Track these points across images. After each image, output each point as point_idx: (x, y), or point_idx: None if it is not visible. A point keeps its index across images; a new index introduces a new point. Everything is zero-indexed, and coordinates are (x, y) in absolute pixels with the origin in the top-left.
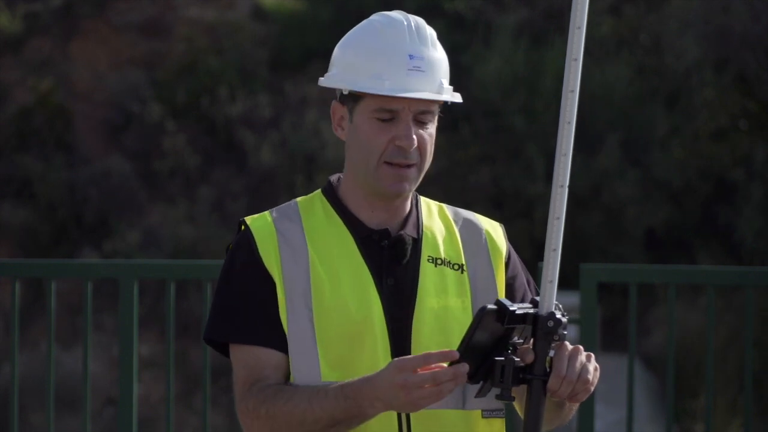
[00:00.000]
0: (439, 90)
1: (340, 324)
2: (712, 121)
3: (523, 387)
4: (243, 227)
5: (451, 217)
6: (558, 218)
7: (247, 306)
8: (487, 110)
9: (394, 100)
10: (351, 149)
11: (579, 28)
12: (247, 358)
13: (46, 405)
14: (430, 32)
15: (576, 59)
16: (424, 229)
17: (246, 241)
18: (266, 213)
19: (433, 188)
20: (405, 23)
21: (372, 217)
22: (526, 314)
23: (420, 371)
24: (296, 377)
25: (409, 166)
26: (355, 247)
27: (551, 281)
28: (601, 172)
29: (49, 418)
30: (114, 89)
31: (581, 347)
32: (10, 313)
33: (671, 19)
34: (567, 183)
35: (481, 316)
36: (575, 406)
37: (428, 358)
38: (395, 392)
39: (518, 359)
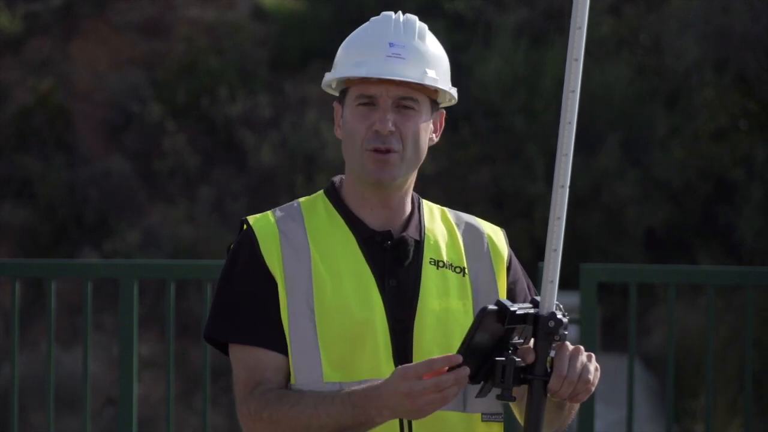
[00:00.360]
0: (422, 78)
1: (341, 324)
2: (712, 121)
3: (523, 389)
4: (245, 227)
5: (453, 221)
6: (559, 218)
7: (248, 305)
8: (487, 110)
9: (372, 86)
10: (343, 143)
11: (580, 28)
12: (247, 360)
13: (46, 405)
14: (420, 26)
15: (577, 59)
16: (426, 232)
17: (248, 240)
18: (268, 213)
19: (433, 188)
20: (393, 17)
21: (373, 218)
22: (526, 314)
23: (424, 377)
24: (298, 378)
25: (388, 151)
26: (358, 247)
27: (552, 281)
28: (601, 172)
29: (49, 418)
30: (114, 89)
31: (582, 347)
32: (10, 313)
33: (671, 19)
34: (568, 183)
35: (481, 316)
36: (575, 409)
37: (431, 365)
38: (401, 400)
39: (519, 359)
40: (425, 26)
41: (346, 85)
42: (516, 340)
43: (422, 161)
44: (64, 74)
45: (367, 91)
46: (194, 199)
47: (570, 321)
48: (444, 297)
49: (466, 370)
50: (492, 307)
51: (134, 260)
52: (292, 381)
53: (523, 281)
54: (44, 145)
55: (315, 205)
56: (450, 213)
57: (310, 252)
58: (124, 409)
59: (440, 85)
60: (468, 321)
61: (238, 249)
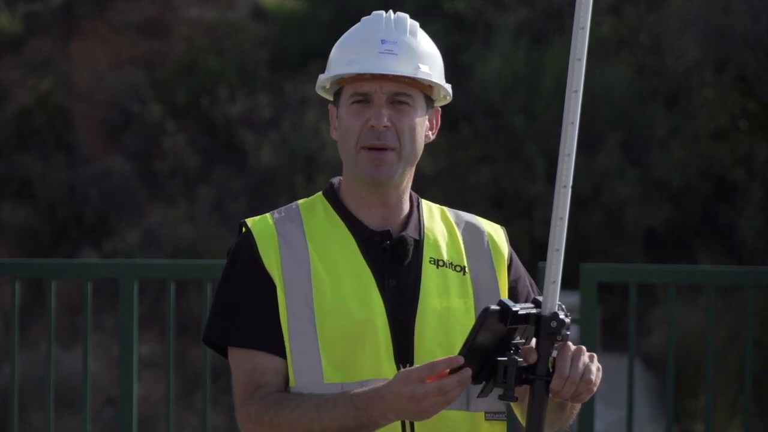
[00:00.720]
0: (415, 73)
1: (342, 325)
2: (712, 121)
3: (525, 388)
4: (244, 229)
5: (452, 220)
6: (561, 219)
7: (247, 308)
8: (487, 110)
9: (365, 83)
10: (339, 143)
11: (583, 28)
12: (246, 363)
13: (46, 405)
14: (411, 23)
15: (580, 59)
16: (425, 231)
17: (247, 243)
18: (267, 215)
19: (433, 188)
20: (384, 16)
21: (371, 218)
22: (528, 314)
23: (427, 380)
24: (298, 379)
25: (384, 149)
26: (357, 248)
27: (554, 281)
28: (601, 172)
29: (49, 418)
30: (114, 89)
31: (584, 348)
32: (10, 313)
33: (671, 19)
34: (570, 183)
35: (484, 316)
36: (577, 409)
37: (433, 367)
38: (404, 404)
39: (521, 359)
40: (416, 23)
41: (340, 84)
42: (518, 340)
43: (419, 158)
44: (64, 74)
45: (361, 89)
46: (194, 199)
47: (570, 321)
48: (445, 296)
49: (468, 372)
50: (494, 307)
51: (134, 260)
52: (292, 383)
53: (525, 279)
54: (44, 145)
55: (314, 207)
56: (449, 212)
57: (308, 253)
58: (124, 409)
59: (434, 80)
60: (469, 320)
61: (236, 252)
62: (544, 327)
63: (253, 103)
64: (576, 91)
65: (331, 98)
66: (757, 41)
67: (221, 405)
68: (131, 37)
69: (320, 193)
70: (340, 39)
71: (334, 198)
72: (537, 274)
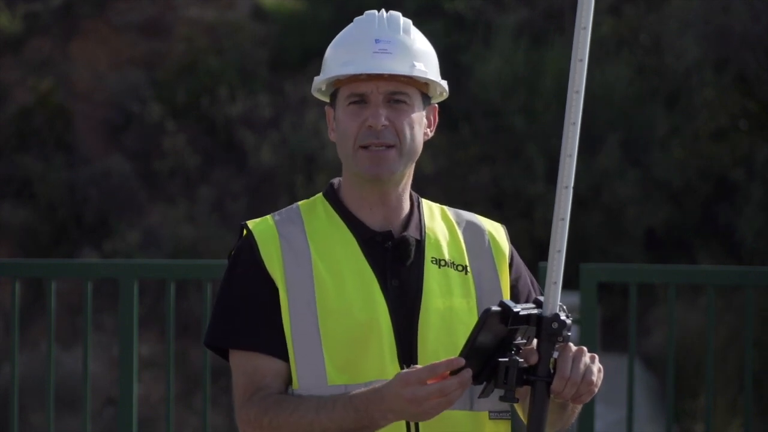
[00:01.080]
0: (411, 71)
1: (345, 326)
2: (712, 121)
3: (526, 389)
4: (245, 232)
5: (453, 219)
6: (563, 219)
7: (248, 310)
8: (487, 110)
9: (361, 83)
10: (337, 144)
11: (584, 28)
12: (246, 365)
13: (46, 405)
14: (404, 21)
15: (581, 60)
16: (426, 231)
17: (248, 245)
18: (268, 217)
19: (433, 188)
20: (377, 15)
21: (372, 218)
22: (529, 315)
23: (428, 382)
24: (301, 382)
25: (385, 147)
26: (358, 248)
27: (555, 282)
28: (601, 172)
29: (49, 418)
30: (114, 89)
31: (585, 348)
32: (10, 313)
33: (671, 19)
34: (572, 184)
35: (485, 317)
36: (578, 409)
37: (434, 369)
38: (404, 405)
39: (522, 360)
40: (410, 21)
41: (336, 86)
42: (519, 340)
43: (418, 156)
44: (64, 74)
45: (357, 89)
46: (194, 199)
47: (571, 322)
48: (447, 296)
49: (469, 373)
50: (495, 308)
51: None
52: (295, 385)
53: (526, 277)
54: (44, 145)
55: (314, 208)
56: (450, 211)
57: (310, 255)
58: (124, 409)
59: (430, 77)
60: (472, 319)
61: (237, 255)
62: (545, 328)
63: (253, 103)
64: (578, 92)
65: (327, 100)
66: (757, 41)
67: (221, 405)
68: (131, 37)
69: (320, 194)
70: (334, 40)
71: (334, 199)
72: (537, 275)
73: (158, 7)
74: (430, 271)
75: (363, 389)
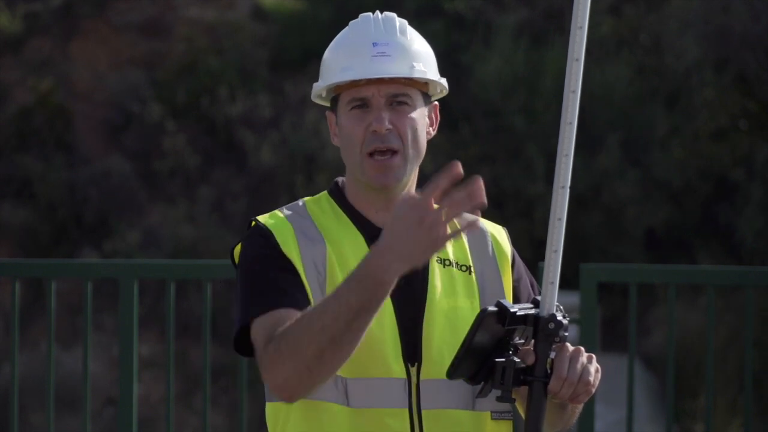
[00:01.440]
0: (411, 73)
1: None
2: (712, 121)
3: (525, 389)
4: (254, 224)
5: (455, 221)
6: (559, 219)
7: (270, 281)
8: (487, 110)
9: (362, 88)
10: (342, 150)
11: (581, 28)
12: (266, 322)
13: (46, 405)
14: (400, 22)
15: (578, 59)
16: None
17: (261, 233)
18: (276, 211)
19: None
20: (372, 17)
21: (378, 218)
22: (526, 316)
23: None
24: None
25: (390, 153)
26: (366, 246)
27: (552, 282)
28: (601, 172)
29: (49, 418)
30: (114, 89)
31: (582, 349)
32: (10, 313)
33: (671, 19)
34: (568, 184)
35: (482, 317)
36: (578, 410)
37: (436, 182)
38: (412, 234)
39: (519, 360)
40: (405, 22)
41: (336, 91)
42: (517, 340)
43: (423, 156)
44: (64, 74)
45: (359, 94)
46: (194, 199)
47: (570, 321)
48: (452, 295)
49: (479, 179)
50: (492, 308)
51: (134, 260)
52: None
53: (526, 279)
54: (44, 145)
55: (320, 205)
56: None
57: (325, 245)
58: (124, 409)
59: (430, 76)
60: None
61: (250, 242)
62: (542, 328)
63: (253, 103)
64: (574, 91)
65: (327, 105)
66: (757, 41)
67: (221, 405)
68: (131, 37)
69: (325, 192)
70: (331, 45)
71: (340, 197)
72: (537, 275)
73: (158, 7)
74: (435, 271)
75: None
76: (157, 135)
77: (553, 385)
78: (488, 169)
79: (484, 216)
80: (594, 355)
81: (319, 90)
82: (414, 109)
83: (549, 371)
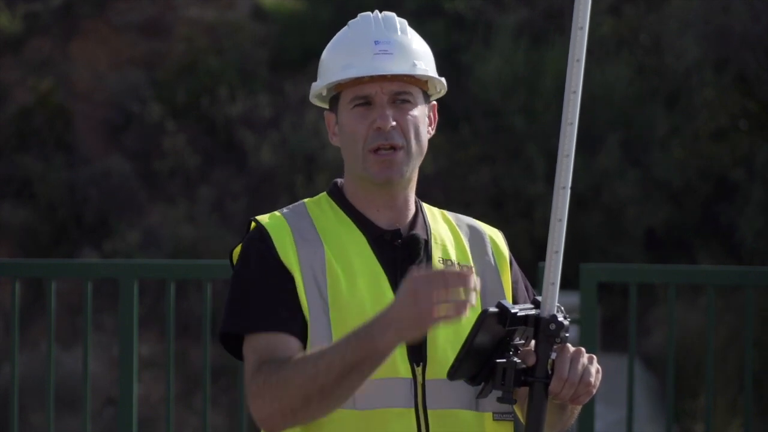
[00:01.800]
0: (413, 70)
1: (356, 322)
2: (712, 121)
3: (525, 390)
4: (253, 225)
5: (454, 222)
6: (560, 220)
7: (265, 294)
8: (487, 110)
9: (365, 86)
10: (343, 149)
11: (581, 28)
12: (259, 343)
13: (46, 405)
14: (400, 21)
15: (578, 60)
16: (432, 232)
17: (259, 235)
18: (275, 212)
19: (433, 188)
20: (372, 16)
21: (379, 218)
22: (527, 316)
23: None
24: None
25: (393, 149)
26: (368, 247)
27: (553, 283)
28: (601, 172)
29: (49, 418)
30: (114, 89)
31: (583, 349)
32: (10, 313)
33: (671, 19)
34: (569, 184)
35: (483, 318)
36: (577, 410)
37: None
38: (405, 304)
39: (520, 361)
40: (405, 21)
41: (337, 90)
42: (517, 341)
43: (424, 154)
44: (64, 74)
45: (362, 92)
46: (194, 199)
47: (570, 321)
48: None
49: (475, 277)
50: (493, 309)
51: (134, 260)
52: None
53: (521, 282)
54: (44, 145)
55: (320, 206)
56: (449, 214)
57: (323, 247)
58: (124, 409)
59: (430, 74)
60: None
61: (248, 245)
62: (543, 329)
63: (253, 103)
64: (575, 92)
65: (326, 106)
66: (757, 41)
67: (221, 405)
68: (131, 37)
69: (324, 193)
70: (329, 45)
71: (340, 198)
72: (537, 275)
73: (158, 7)
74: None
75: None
76: (157, 135)
77: (553, 385)
78: (488, 169)
79: (484, 216)
80: (594, 356)
81: (318, 89)
82: (416, 106)
83: (550, 372)
